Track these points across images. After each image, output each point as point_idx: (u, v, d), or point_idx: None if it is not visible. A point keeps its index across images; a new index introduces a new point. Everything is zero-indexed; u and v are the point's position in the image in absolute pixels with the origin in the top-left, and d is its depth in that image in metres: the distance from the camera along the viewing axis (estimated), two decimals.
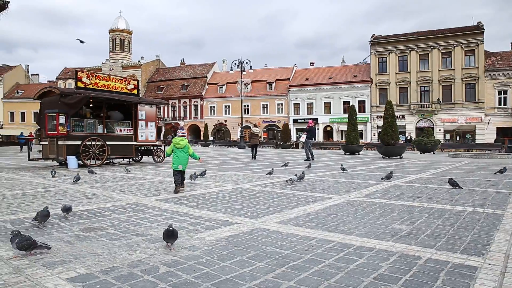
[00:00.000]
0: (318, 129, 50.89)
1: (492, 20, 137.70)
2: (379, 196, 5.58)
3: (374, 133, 48.51)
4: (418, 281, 2.46)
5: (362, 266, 2.72)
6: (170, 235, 3.03)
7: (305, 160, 15.31)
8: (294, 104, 54.30)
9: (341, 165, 10.36)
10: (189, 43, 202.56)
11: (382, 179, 7.60)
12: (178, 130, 6.27)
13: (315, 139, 47.29)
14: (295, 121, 51.64)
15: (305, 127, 21.02)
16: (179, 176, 6.13)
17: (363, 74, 51.77)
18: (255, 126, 17.93)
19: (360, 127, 44.95)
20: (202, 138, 51.15)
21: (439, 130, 45.79)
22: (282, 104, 55.33)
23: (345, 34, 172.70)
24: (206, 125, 51.49)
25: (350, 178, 8.24)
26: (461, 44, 45.55)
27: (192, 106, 60.34)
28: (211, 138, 53.30)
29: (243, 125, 41.88)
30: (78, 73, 12.49)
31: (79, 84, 12.42)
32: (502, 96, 44.30)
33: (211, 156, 19.80)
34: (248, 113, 55.88)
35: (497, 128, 43.13)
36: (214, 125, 58.15)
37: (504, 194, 5.91)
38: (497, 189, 6.52)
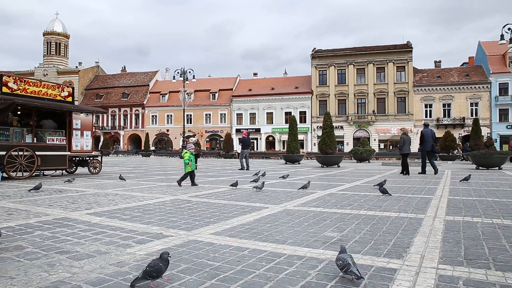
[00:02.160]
0: (260, 139, 51.79)
1: (420, 40, 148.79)
2: (314, 205, 5.74)
3: (314, 143, 49.39)
4: (343, 286, 2.55)
5: (291, 274, 2.75)
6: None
7: (239, 169, 15.49)
8: (237, 114, 54.35)
9: (283, 176, 10.49)
10: (134, 50, 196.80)
11: (299, 189, 7.71)
12: (187, 144, 7.72)
13: (251, 149, 48.19)
14: (238, 131, 51.80)
15: (240, 138, 20.93)
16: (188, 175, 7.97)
17: (304, 86, 52.96)
18: (193, 136, 18.48)
19: (300, 137, 46.01)
20: (143, 148, 49.83)
21: (374, 140, 47.99)
22: (225, 114, 55.23)
23: (290, 46, 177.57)
24: (147, 134, 50.24)
25: (289, 187, 8.38)
26: (393, 61, 48.27)
27: (133, 115, 58.65)
28: (152, 148, 52.13)
29: (185, 135, 41.41)
30: (4, 78, 11.61)
31: (5, 90, 11.56)
32: (428, 109, 47.67)
33: (151, 166, 19.31)
34: (190, 123, 55.48)
35: None
36: (156, 135, 56.89)
37: (426, 200, 6.35)
38: (420, 195, 6.96)
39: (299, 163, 23.34)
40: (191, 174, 8.45)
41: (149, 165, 20.67)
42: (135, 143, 58.96)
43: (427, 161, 13.57)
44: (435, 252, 3.24)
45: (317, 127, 49.56)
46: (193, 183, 8.40)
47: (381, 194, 6.75)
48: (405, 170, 12.71)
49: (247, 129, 50.20)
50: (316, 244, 3.54)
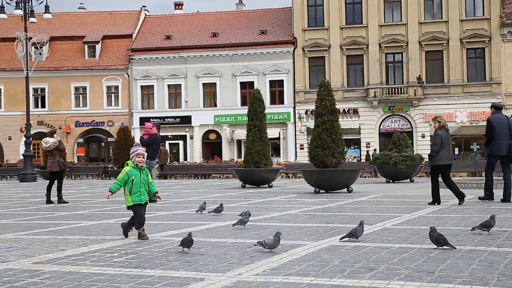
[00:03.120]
0: (191, 138, 50.67)
1: None
2: (295, 272, 5.59)
3: (301, 144, 48.14)
4: None
5: None
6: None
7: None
8: (142, 87, 52.25)
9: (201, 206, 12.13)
10: None
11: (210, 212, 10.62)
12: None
13: (168, 160, 48.90)
14: (144, 120, 47.68)
15: (140, 136, 19.78)
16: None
17: (280, 29, 52.06)
18: (50, 133, 17.24)
19: (273, 132, 45.10)
20: None
21: (422, 136, 46.56)
22: (118, 87, 52.77)
23: None
24: None
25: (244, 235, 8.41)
26: None
27: None
28: None
29: (34, 132, 41.28)
30: None
31: None
32: None
33: None
34: (44, 106, 53.43)
35: None
36: None
37: None
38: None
39: (270, 186, 23.19)
40: (136, 212, 8.45)
41: None
42: None
43: (498, 175, 15.08)
44: None
45: (305, 113, 48.08)
46: (138, 232, 8.36)
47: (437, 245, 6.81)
48: (435, 199, 13.57)
49: (158, 118, 48.38)
50: None
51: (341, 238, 7.77)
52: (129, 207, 8.49)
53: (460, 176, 31.43)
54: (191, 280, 5.24)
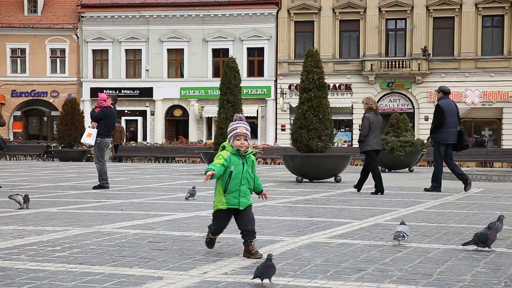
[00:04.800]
0: (152, 114, 50.63)
1: None
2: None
3: (283, 125, 48.36)
4: None
5: None
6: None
7: (94, 187, 16.13)
8: (93, 51, 52.12)
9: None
10: None
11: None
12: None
13: (125, 138, 49.56)
14: (96, 91, 46.03)
15: (93, 109, 18.80)
16: None
17: None
18: None
19: (250, 109, 45.58)
20: None
21: (425, 118, 46.36)
22: (64, 50, 52.18)
23: None
24: None
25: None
26: None
27: None
28: None
29: None
30: None
31: None
32: None
33: None
34: None
35: None
36: None
37: None
38: None
39: None
40: (218, 222, 6.94)
41: None
42: None
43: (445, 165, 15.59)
44: None
45: (288, 88, 48.09)
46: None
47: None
48: (359, 185, 14.94)
49: (113, 90, 47.37)
50: None
51: (464, 244, 7.23)
52: (216, 212, 6.85)
53: (468, 167, 31.57)
54: (147, 279, 5.23)
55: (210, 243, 6.75)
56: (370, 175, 15.38)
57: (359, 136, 15.10)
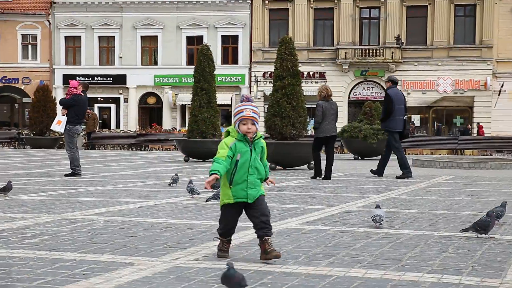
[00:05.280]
0: (126, 102, 50.56)
1: None
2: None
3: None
4: None
5: None
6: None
7: (65, 174, 16.10)
8: (66, 38, 51.56)
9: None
10: None
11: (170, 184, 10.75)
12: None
13: (99, 126, 49.03)
14: (69, 78, 43.19)
15: (64, 96, 22.03)
16: None
17: None
18: None
19: (224, 97, 45.64)
20: None
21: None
22: (36, 37, 51.86)
23: None
24: None
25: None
26: None
27: None
28: None
29: None
30: None
31: None
32: None
33: None
34: None
35: None
36: None
37: None
38: None
39: None
40: (226, 218, 6.10)
41: None
42: None
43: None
44: None
45: (262, 76, 48.01)
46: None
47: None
48: (317, 171, 15.36)
49: (86, 77, 47.00)
50: None
51: (462, 230, 7.11)
52: (223, 207, 6.04)
53: (439, 154, 31.84)
54: (118, 265, 5.20)
55: (221, 250, 5.74)
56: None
57: (313, 124, 15.34)
